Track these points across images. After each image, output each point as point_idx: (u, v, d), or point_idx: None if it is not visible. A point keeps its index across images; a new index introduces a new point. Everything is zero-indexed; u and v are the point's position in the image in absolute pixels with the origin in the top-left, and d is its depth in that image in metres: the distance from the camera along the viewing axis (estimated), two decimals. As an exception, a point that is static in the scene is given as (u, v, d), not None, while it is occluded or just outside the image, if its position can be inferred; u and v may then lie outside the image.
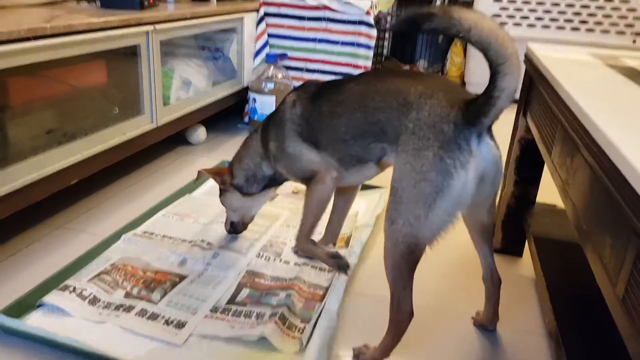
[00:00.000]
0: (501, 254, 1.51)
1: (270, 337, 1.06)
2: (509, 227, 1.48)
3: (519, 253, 1.50)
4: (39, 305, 1.15)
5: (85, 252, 1.35)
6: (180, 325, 1.11)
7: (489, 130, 0.92)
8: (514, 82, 0.82)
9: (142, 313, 1.14)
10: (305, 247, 1.34)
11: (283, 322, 1.12)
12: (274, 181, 1.37)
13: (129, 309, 1.15)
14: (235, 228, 1.46)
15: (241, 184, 1.37)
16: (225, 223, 1.48)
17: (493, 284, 1.14)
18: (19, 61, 1.28)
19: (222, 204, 1.44)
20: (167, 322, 1.11)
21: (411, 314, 0.99)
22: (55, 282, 1.22)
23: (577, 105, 0.77)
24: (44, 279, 1.22)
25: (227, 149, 2.32)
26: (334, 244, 1.45)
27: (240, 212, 1.43)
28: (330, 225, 1.42)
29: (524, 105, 1.35)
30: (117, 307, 1.15)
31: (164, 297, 1.20)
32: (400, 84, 0.99)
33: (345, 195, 1.36)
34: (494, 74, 0.83)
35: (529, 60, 1.29)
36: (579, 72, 1.07)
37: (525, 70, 1.36)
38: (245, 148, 1.38)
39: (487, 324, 1.19)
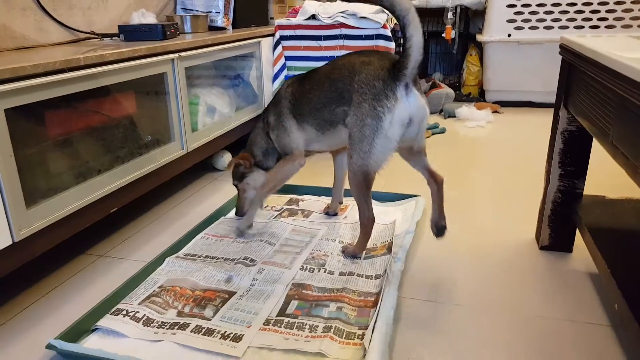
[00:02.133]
0: (550, 250, 1.47)
1: (328, 351, 1.04)
2: (557, 223, 1.44)
3: (568, 249, 1.46)
4: (94, 329, 1.14)
5: (132, 277, 1.34)
6: (237, 338, 1.09)
7: (416, 83, 1.23)
8: (417, 29, 1.14)
9: (198, 329, 1.12)
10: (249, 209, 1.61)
11: (340, 335, 1.10)
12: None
13: (183, 326, 1.13)
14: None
15: (261, 160, 1.61)
16: (240, 204, 1.67)
17: (436, 182, 1.39)
18: (55, 93, 1.30)
19: (243, 187, 1.64)
20: (223, 337, 1.09)
21: (373, 219, 1.37)
22: (107, 307, 1.21)
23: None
24: (95, 305, 1.21)
25: (254, 171, 2.32)
26: (341, 202, 1.77)
27: None
28: (335, 186, 1.73)
29: (563, 96, 1.33)
30: (172, 326, 1.13)
31: (217, 313, 1.18)
32: (351, 58, 1.30)
33: (337, 159, 1.68)
34: (402, 27, 1.14)
35: (567, 49, 1.28)
36: (628, 47, 1.06)
37: (563, 61, 1.34)
38: (255, 131, 1.63)
39: (438, 222, 1.40)
